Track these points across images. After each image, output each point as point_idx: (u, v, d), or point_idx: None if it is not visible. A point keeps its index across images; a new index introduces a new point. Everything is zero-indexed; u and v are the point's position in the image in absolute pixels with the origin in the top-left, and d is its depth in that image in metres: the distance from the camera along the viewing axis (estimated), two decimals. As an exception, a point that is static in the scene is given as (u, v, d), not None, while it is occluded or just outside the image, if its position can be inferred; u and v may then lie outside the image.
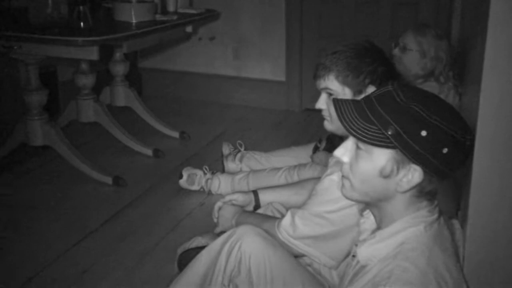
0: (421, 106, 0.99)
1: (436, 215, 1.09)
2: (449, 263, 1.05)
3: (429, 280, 0.99)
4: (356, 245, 1.14)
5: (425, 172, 1.02)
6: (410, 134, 0.98)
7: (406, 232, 1.06)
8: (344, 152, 1.09)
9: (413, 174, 1.02)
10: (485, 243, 1.38)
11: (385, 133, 1.00)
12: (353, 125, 1.03)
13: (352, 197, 1.12)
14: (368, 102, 1.06)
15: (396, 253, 1.03)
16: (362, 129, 1.02)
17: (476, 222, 1.33)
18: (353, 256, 1.16)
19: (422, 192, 1.05)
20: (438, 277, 1.00)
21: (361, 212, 1.22)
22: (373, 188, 1.07)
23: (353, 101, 1.08)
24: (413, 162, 1.01)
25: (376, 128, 1.01)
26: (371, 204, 1.12)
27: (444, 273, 1.02)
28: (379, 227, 1.12)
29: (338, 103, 1.08)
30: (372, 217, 1.15)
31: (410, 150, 0.99)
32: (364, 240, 1.12)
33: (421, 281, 0.98)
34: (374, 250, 1.07)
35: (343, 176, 1.11)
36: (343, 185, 1.12)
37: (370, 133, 1.01)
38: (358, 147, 1.06)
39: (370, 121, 1.02)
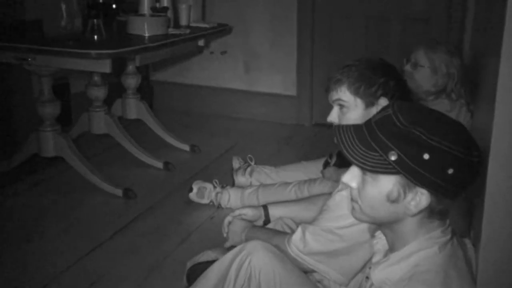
0: (421, 129, 0.98)
1: (449, 236, 1.08)
2: (464, 283, 1.04)
3: None
4: (370, 267, 1.13)
5: (432, 194, 1.01)
6: (413, 158, 0.97)
7: (420, 254, 1.05)
8: (351, 177, 1.08)
9: (420, 198, 1.01)
10: (498, 262, 1.36)
11: (387, 159, 0.99)
12: (354, 153, 1.02)
13: (362, 220, 1.12)
14: (369, 127, 1.05)
15: (410, 276, 1.02)
16: (364, 157, 1.01)
17: (490, 241, 1.32)
18: (367, 278, 1.15)
19: (433, 213, 1.05)
20: None
21: (372, 233, 1.22)
22: (382, 213, 1.06)
23: (354, 127, 1.08)
24: (419, 186, 1.00)
25: (377, 154, 1.00)
26: (380, 225, 1.12)
27: (459, 294, 1.01)
28: (391, 249, 1.11)
29: (338, 130, 1.07)
30: (384, 238, 1.15)
31: (414, 175, 0.98)
32: (378, 262, 1.11)
33: None
34: (388, 273, 1.06)
35: (352, 200, 1.11)
36: (353, 208, 1.11)
37: (372, 160, 1.00)
38: (364, 173, 1.05)
39: (371, 147, 1.01)
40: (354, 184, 1.08)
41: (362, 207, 1.08)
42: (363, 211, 1.08)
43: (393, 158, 0.98)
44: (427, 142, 0.97)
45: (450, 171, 0.98)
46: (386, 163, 1.00)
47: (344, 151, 1.04)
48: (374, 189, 1.04)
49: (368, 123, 1.07)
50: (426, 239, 1.06)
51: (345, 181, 1.09)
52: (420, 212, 1.03)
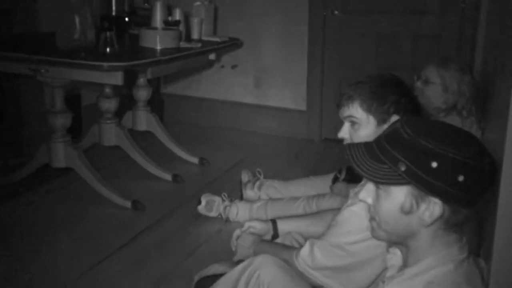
0: (428, 138, 0.99)
1: (466, 254, 1.07)
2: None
3: None
4: (383, 281, 1.12)
5: (445, 203, 1.00)
6: (421, 167, 0.98)
7: (435, 271, 1.04)
8: (367, 194, 1.10)
9: (434, 207, 1.01)
10: (510, 280, 1.35)
11: (397, 171, 1.00)
12: (364, 166, 1.04)
13: (380, 237, 1.12)
14: (378, 142, 1.07)
15: None
16: (374, 170, 1.03)
17: (502, 258, 1.30)
18: None
19: (448, 224, 1.04)
20: None
21: (387, 249, 1.21)
22: (397, 226, 1.06)
23: (365, 143, 1.10)
24: (431, 195, 1.00)
25: (387, 166, 1.02)
26: (397, 241, 1.12)
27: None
28: (406, 264, 1.11)
29: (349, 148, 1.10)
30: (399, 253, 1.14)
31: (424, 184, 0.99)
32: (392, 277, 1.10)
33: None
34: None
35: (370, 218, 1.12)
36: (371, 227, 1.12)
37: (382, 172, 1.02)
38: (377, 187, 1.07)
39: (380, 160, 1.03)
40: (370, 200, 1.09)
41: (380, 223, 1.09)
42: (381, 227, 1.09)
43: (402, 168, 1.00)
44: (434, 150, 0.98)
45: (461, 178, 0.97)
46: (396, 175, 1.01)
47: (354, 165, 1.06)
48: (387, 202, 1.05)
49: (377, 138, 1.09)
50: (442, 256, 1.05)
51: (361, 198, 1.10)
52: (435, 222, 1.03)
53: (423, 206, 1.02)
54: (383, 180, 1.02)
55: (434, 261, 1.05)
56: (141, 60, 2.54)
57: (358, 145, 1.10)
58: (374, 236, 1.12)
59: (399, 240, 1.10)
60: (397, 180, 1.01)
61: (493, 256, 1.29)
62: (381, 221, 1.08)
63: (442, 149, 0.97)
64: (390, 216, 1.06)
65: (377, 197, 1.07)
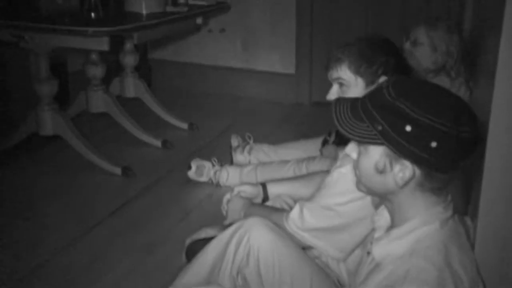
0: (405, 101, 0.99)
1: (450, 212, 1.08)
2: (465, 260, 1.05)
3: (445, 278, 0.99)
4: (371, 242, 1.14)
5: (418, 167, 1.02)
6: (396, 130, 0.99)
7: (422, 230, 1.06)
8: (352, 149, 1.15)
9: (405, 170, 1.03)
10: (496, 238, 1.37)
11: (374, 130, 1.01)
12: (344, 123, 1.06)
13: (362, 190, 1.15)
14: (362, 100, 1.07)
15: (412, 251, 1.03)
16: (352, 127, 1.05)
17: (487, 217, 1.32)
18: (368, 253, 1.16)
19: (424, 187, 1.05)
20: (455, 275, 1.00)
21: (376, 207, 1.23)
22: (373, 184, 1.09)
23: (352, 99, 1.11)
24: (403, 158, 1.01)
25: (365, 125, 1.03)
26: (380, 197, 1.14)
27: (460, 271, 1.02)
28: (393, 224, 1.12)
29: (335, 104, 1.11)
30: (386, 214, 1.15)
31: (397, 146, 1.00)
32: (379, 238, 1.12)
33: (437, 281, 0.98)
34: (389, 249, 1.08)
35: (354, 171, 1.15)
36: (356, 180, 1.15)
37: (359, 130, 1.04)
38: (359, 144, 1.09)
39: (360, 118, 1.04)
40: (354, 155, 1.12)
41: (360, 178, 1.12)
42: (361, 181, 1.12)
43: (379, 128, 1.01)
44: (409, 114, 0.98)
45: (434, 144, 0.98)
46: (373, 134, 1.02)
47: (336, 121, 1.08)
48: (365, 159, 1.08)
49: (363, 96, 1.10)
50: (428, 215, 1.06)
51: (347, 152, 1.15)
52: (407, 184, 1.04)
53: (397, 168, 1.03)
54: (361, 139, 1.05)
55: (419, 221, 1.06)
56: (127, 25, 2.50)
57: (345, 100, 1.11)
58: (357, 188, 1.16)
59: (380, 196, 1.13)
60: (374, 140, 1.03)
61: (479, 213, 1.31)
62: (361, 176, 1.11)
63: (418, 114, 0.98)
64: (367, 173, 1.09)
65: (359, 153, 1.10)
